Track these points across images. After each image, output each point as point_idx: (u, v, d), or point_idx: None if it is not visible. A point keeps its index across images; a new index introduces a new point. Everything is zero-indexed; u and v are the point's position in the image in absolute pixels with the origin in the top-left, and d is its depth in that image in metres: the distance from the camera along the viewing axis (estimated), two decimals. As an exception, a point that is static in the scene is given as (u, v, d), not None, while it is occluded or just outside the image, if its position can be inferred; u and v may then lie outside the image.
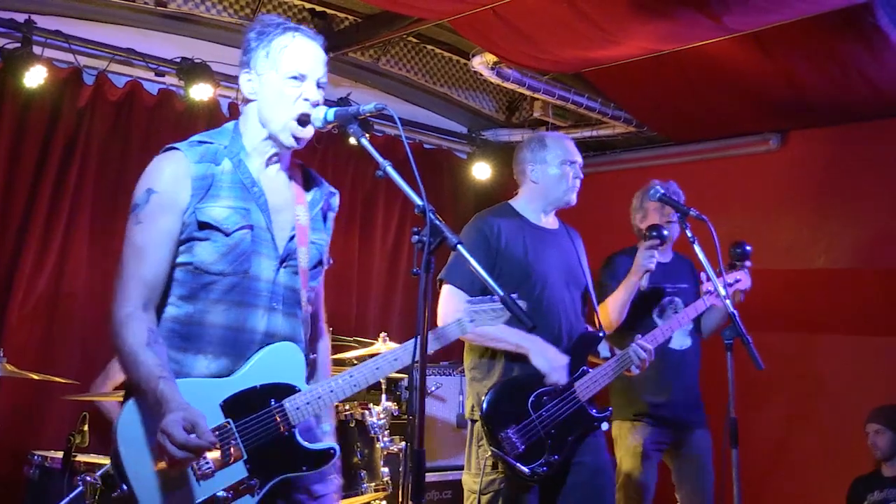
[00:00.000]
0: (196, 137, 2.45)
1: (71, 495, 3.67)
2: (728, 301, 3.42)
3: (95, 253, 5.11)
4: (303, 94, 2.41)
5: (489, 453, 3.33)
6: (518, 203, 3.73)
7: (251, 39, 2.47)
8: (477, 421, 3.45)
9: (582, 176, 3.71)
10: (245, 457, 2.28)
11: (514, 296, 2.71)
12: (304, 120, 2.41)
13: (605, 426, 3.53)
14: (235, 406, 2.29)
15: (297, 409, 2.35)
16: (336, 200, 2.69)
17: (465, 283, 3.42)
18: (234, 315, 2.35)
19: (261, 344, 2.38)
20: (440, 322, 3.22)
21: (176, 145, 2.40)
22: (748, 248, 4.00)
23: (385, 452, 4.69)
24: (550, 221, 3.74)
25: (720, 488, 4.27)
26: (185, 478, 2.22)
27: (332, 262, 2.65)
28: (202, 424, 2.10)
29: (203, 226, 2.33)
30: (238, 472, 2.27)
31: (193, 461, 2.16)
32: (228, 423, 2.28)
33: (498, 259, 3.48)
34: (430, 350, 2.53)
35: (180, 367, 2.31)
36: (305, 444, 2.39)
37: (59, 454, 3.96)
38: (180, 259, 2.34)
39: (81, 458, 4.00)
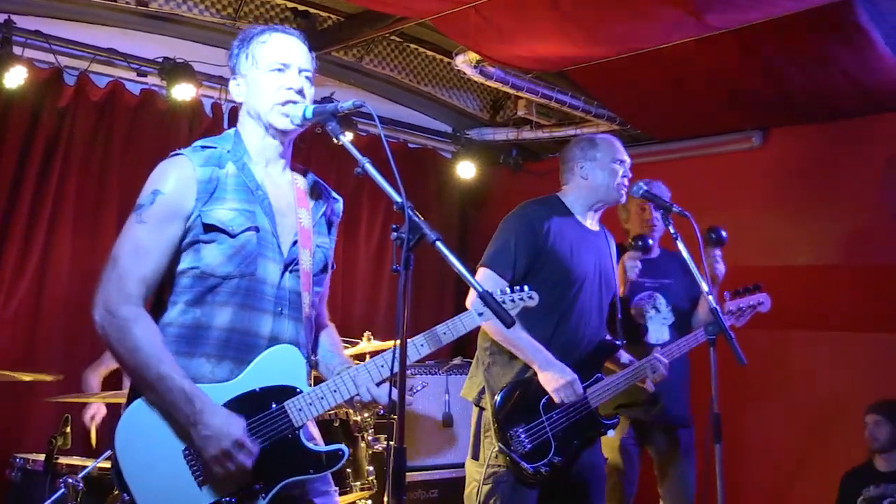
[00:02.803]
0: (199, 143, 2.46)
1: (53, 497, 3.65)
2: (710, 297, 3.42)
3: (78, 254, 5.08)
4: (283, 83, 2.43)
5: (496, 447, 3.35)
6: (567, 198, 3.72)
7: (234, 48, 2.53)
8: (485, 409, 3.46)
9: (631, 175, 3.72)
10: None
11: (532, 292, 2.76)
12: (290, 104, 2.42)
13: (610, 433, 3.60)
14: (235, 410, 2.26)
15: (300, 410, 2.33)
16: (339, 206, 2.70)
17: (501, 267, 3.47)
18: (239, 318, 2.33)
19: (265, 349, 2.36)
20: (468, 303, 3.16)
21: (180, 151, 2.41)
22: (723, 232, 3.99)
23: (370, 451, 4.67)
24: (593, 222, 3.75)
25: (703, 483, 4.27)
26: (188, 485, 2.22)
27: (335, 266, 2.65)
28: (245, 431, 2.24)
29: (209, 228, 2.32)
30: None
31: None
32: None
33: (542, 254, 3.50)
34: (443, 344, 2.54)
35: (184, 371, 2.29)
36: (311, 446, 2.36)
37: (42, 457, 3.94)
38: (186, 265, 2.34)
39: (63, 460, 3.97)
